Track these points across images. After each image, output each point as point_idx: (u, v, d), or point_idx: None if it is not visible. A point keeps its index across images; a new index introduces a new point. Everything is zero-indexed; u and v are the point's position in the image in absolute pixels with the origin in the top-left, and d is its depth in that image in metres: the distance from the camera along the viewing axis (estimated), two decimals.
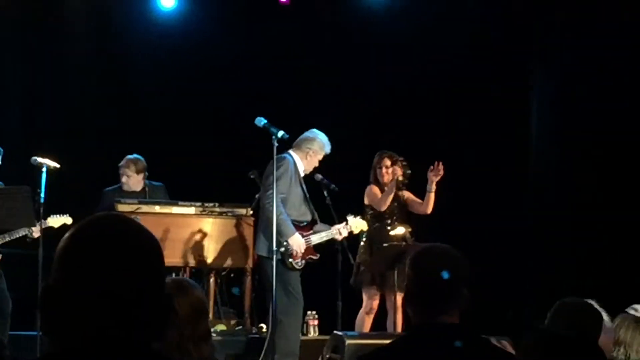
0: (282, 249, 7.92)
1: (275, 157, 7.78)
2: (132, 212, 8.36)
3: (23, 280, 8.29)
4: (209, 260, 8.85)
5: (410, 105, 10.64)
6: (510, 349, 4.55)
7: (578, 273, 9.39)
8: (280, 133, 7.71)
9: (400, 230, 8.87)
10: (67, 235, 1.98)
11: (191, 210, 8.89)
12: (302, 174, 8.30)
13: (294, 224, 8.11)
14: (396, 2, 11.01)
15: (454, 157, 9.85)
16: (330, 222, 8.46)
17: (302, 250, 8.08)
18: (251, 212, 8.85)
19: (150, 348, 1.99)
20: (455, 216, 9.54)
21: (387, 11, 10.90)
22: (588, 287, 7.66)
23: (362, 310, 8.97)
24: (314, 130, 8.38)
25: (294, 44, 10.87)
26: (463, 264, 3.55)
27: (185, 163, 10.29)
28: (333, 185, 8.58)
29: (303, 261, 8.14)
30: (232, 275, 9.15)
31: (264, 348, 8.12)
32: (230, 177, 9.52)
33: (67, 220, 8.30)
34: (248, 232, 8.79)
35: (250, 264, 8.85)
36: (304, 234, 8.19)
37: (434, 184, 8.68)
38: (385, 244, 8.86)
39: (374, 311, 8.97)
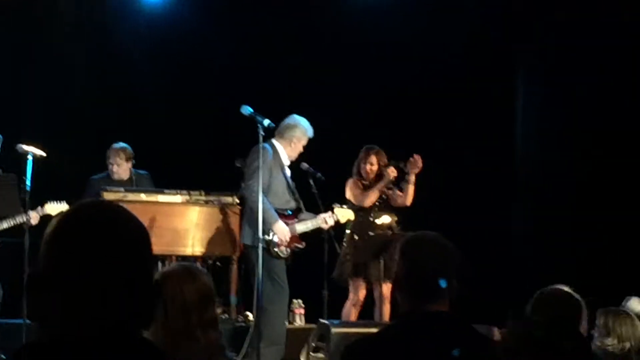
0: (267, 238, 7.90)
1: (260, 145, 7.77)
2: (119, 201, 8.32)
3: (8, 268, 8.26)
4: (195, 248, 8.83)
5: (401, 102, 10.63)
6: (498, 336, 4.57)
7: (577, 272, 9.41)
8: (266, 122, 7.69)
9: (386, 219, 8.87)
10: (55, 221, 1.97)
11: (177, 198, 8.87)
12: (286, 162, 8.27)
13: (278, 213, 8.09)
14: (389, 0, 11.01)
15: (446, 154, 9.91)
16: (316, 212, 8.45)
17: (287, 238, 8.06)
18: (237, 200, 8.83)
19: (140, 335, 1.98)
20: (444, 212, 9.55)
21: (379, 8, 10.87)
22: (586, 285, 7.69)
23: (348, 302, 8.97)
24: (294, 116, 8.32)
25: (284, 34, 10.84)
26: (452, 252, 3.55)
27: (171, 152, 10.27)
28: (319, 174, 8.58)
29: (288, 250, 8.12)
30: (218, 263, 9.14)
31: (249, 336, 8.13)
32: (216, 165, 9.50)
33: (64, 207, 8.23)
34: (234, 220, 8.78)
35: (236, 252, 8.84)
36: (289, 222, 8.17)
37: (413, 176, 8.76)
38: (371, 233, 8.87)
39: (360, 303, 8.97)
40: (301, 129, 8.26)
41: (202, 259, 8.90)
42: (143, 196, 8.74)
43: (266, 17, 10.85)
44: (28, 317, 8.13)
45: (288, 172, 8.31)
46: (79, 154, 9.79)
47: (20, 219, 8.16)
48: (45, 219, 7.98)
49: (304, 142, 8.30)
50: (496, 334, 4.88)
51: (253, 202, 7.91)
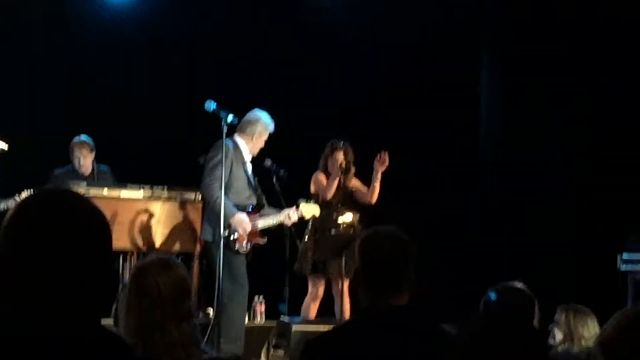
0: (227, 233, 7.88)
1: (222, 141, 7.76)
2: None
3: None
4: (157, 244, 8.80)
5: (367, 99, 10.65)
6: None
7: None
8: (230, 117, 7.69)
9: (348, 217, 8.89)
10: (17, 205, 1.97)
11: (139, 194, 8.83)
12: (248, 158, 8.26)
13: (239, 209, 8.09)
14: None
15: (409, 150, 9.94)
16: (280, 208, 8.45)
17: (247, 230, 8.04)
18: (200, 196, 8.82)
19: (98, 324, 1.98)
20: (408, 208, 9.60)
21: (342, 7, 10.92)
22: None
23: (307, 297, 8.98)
24: (256, 111, 8.30)
25: (252, 29, 10.84)
26: (410, 246, 3.60)
27: (133, 146, 10.22)
28: (283, 171, 8.57)
29: (248, 245, 8.10)
30: (179, 259, 9.11)
31: (208, 332, 8.11)
32: (179, 161, 9.46)
33: None
34: (196, 216, 8.75)
35: (197, 248, 8.82)
36: (250, 218, 8.16)
37: (379, 173, 8.75)
38: (332, 231, 8.88)
39: (320, 298, 8.99)
40: (262, 123, 8.25)
41: (163, 254, 8.86)
42: (105, 191, 8.69)
43: (234, 11, 10.84)
44: None
45: (249, 167, 8.30)
46: (41, 146, 9.72)
47: None
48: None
49: (265, 137, 8.29)
50: None
51: (210, 198, 7.92)
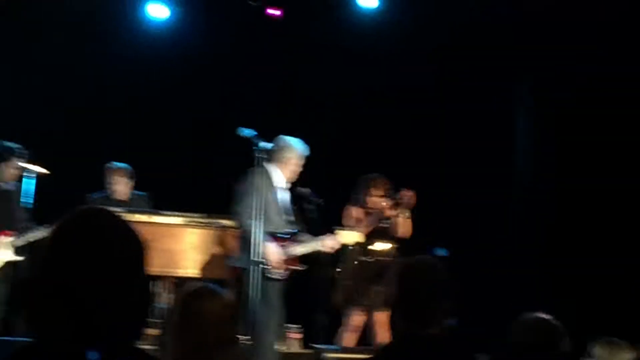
0: (260, 261, 7.83)
1: (256, 168, 7.76)
2: None
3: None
4: (192, 270, 8.81)
5: (396, 119, 10.63)
6: None
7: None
8: (263, 144, 7.71)
9: (384, 246, 8.85)
10: (55, 226, 1.96)
11: (176, 220, 8.85)
12: (282, 184, 8.22)
13: (274, 236, 8.05)
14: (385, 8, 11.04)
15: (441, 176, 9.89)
16: (316, 235, 8.41)
17: (279, 261, 8.00)
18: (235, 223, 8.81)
19: (132, 344, 1.97)
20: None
21: (374, 22, 10.91)
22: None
23: (343, 328, 8.91)
24: (282, 137, 8.24)
25: (283, 57, 10.87)
26: (447, 278, 3.60)
27: (169, 173, 10.27)
28: (317, 199, 8.55)
29: (283, 272, 8.06)
30: (209, 285, 9.08)
31: None
32: (214, 187, 9.48)
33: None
34: (231, 243, 8.74)
35: (232, 275, 8.80)
36: (284, 245, 8.11)
37: (408, 211, 8.71)
38: (369, 259, 8.84)
39: (357, 329, 8.91)
40: (294, 150, 8.22)
41: (197, 281, 8.86)
42: (142, 217, 8.71)
43: (269, 36, 10.89)
44: (21, 320, 8.13)
45: (283, 194, 8.25)
46: (78, 172, 9.79)
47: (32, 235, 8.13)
48: None
49: (297, 161, 8.24)
50: None
51: (242, 226, 7.90)
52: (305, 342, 9.21)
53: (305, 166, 8.30)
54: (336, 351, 8.62)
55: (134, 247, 1.99)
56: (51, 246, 1.94)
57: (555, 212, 10.39)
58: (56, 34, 10.63)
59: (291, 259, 8.12)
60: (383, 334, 8.65)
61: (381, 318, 8.63)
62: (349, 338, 8.87)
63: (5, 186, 8.24)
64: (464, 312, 3.99)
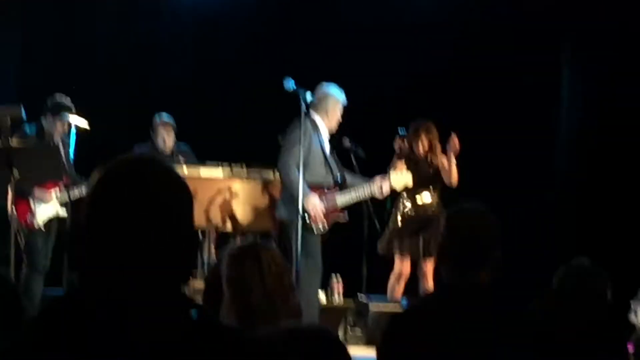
0: (302, 213, 7.80)
1: (302, 119, 7.73)
2: None
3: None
4: (236, 223, 8.84)
5: (437, 85, 10.54)
6: None
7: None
8: (308, 95, 7.68)
9: (427, 198, 8.85)
10: (100, 171, 1.97)
11: (219, 172, 8.88)
12: (325, 135, 8.17)
13: (317, 187, 8.02)
14: None
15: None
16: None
17: (320, 213, 7.96)
18: (279, 175, 8.82)
19: (180, 290, 1.98)
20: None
21: None
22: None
23: (392, 276, 8.92)
24: (323, 85, 8.16)
25: (324, 10, 10.84)
26: (496, 225, 3.59)
27: (213, 125, 10.28)
28: (360, 150, 8.53)
29: (324, 224, 8.01)
30: (258, 239, 9.13)
31: None
32: (259, 140, 9.46)
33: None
34: (275, 195, 8.74)
35: (275, 227, 8.83)
36: (327, 196, 8.07)
37: (453, 157, 8.66)
38: (413, 211, 8.85)
39: (405, 277, 8.90)
40: (333, 98, 8.13)
41: (242, 233, 8.91)
42: (185, 169, 8.74)
43: None
44: (70, 266, 8.30)
45: (328, 145, 8.21)
46: (120, 125, 9.83)
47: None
48: None
49: (338, 110, 8.15)
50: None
51: (285, 177, 7.89)
52: (349, 292, 9.24)
53: (347, 116, 8.26)
54: (380, 302, 8.66)
55: (180, 195, 1.99)
56: (94, 195, 1.95)
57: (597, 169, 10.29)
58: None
59: (334, 210, 8.08)
60: (428, 284, 8.66)
61: (428, 267, 8.65)
62: (394, 287, 8.87)
63: (56, 140, 8.30)
64: (510, 262, 3.98)
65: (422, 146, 8.84)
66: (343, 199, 8.11)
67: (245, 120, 10.35)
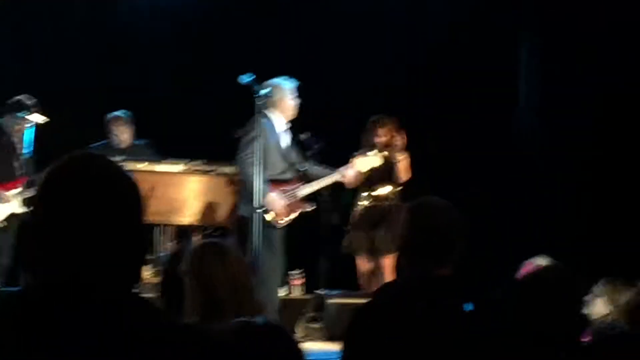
0: (262, 210, 7.80)
1: (257, 115, 7.73)
2: None
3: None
4: (194, 218, 8.83)
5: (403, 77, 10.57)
6: None
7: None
8: (263, 91, 7.68)
9: (384, 190, 8.87)
10: (47, 170, 1.97)
11: (177, 168, 8.86)
12: (282, 128, 8.18)
13: (277, 182, 8.04)
14: None
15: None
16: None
17: (280, 208, 7.98)
18: (236, 170, 8.80)
19: (129, 290, 1.98)
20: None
21: None
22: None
23: (362, 276, 8.93)
24: (271, 81, 8.08)
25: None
26: (458, 217, 3.58)
27: (171, 121, 10.24)
28: (318, 144, 8.50)
29: (285, 219, 8.03)
30: (215, 234, 9.12)
31: None
32: (216, 135, 9.45)
33: None
34: (233, 190, 8.74)
35: (233, 223, 8.80)
36: (288, 188, 8.09)
37: (404, 151, 8.74)
38: (368, 204, 8.87)
39: (372, 272, 8.91)
40: (277, 87, 8.09)
41: (200, 228, 8.90)
42: (142, 165, 8.71)
43: None
44: (19, 265, 8.18)
45: (285, 139, 8.22)
46: (78, 122, 9.77)
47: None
48: None
49: (288, 98, 8.14)
50: None
51: (244, 174, 7.89)
52: (308, 287, 9.25)
53: (312, 110, 8.26)
54: (337, 296, 8.67)
55: (127, 192, 1.99)
56: (40, 193, 1.95)
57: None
58: None
59: (296, 203, 8.10)
60: (390, 279, 8.67)
61: (387, 263, 8.66)
62: (371, 284, 8.84)
63: (12, 140, 8.30)
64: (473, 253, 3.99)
65: (379, 140, 8.86)
66: (305, 191, 8.15)
67: (202, 116, 10.31)
